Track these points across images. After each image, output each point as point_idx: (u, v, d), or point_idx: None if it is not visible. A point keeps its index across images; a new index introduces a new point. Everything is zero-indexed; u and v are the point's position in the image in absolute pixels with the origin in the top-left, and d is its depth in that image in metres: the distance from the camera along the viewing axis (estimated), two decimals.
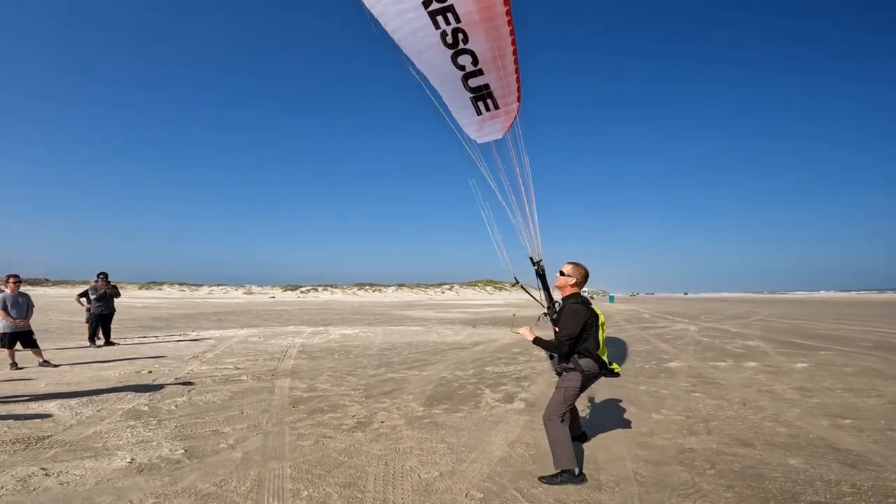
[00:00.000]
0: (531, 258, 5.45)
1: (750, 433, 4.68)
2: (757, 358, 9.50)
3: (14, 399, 5.76)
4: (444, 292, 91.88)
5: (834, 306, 41.54)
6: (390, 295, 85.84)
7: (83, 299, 11.46)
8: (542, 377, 7.51)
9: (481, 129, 7.82)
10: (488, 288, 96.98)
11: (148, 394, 6.09)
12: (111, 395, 6.03)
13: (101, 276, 11.45)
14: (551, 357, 3.94)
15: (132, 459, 3.76)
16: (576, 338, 3.69)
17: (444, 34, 7.33)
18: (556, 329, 3.88)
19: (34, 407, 5.40)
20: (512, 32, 7.45)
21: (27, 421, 4.80)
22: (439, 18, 7.04)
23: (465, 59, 7.63)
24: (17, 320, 8.05)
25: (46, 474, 3.44)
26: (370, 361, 9.11)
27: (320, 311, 31.67)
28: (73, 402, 5.64)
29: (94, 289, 11.28)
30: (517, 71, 7.70)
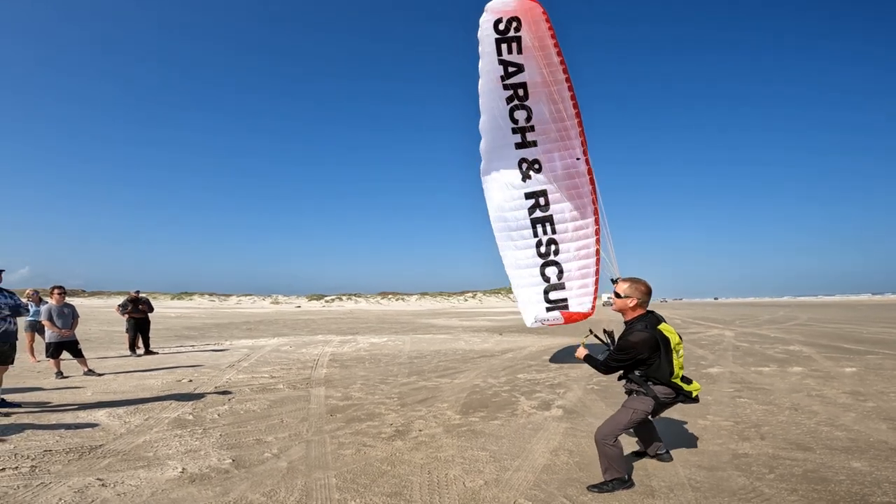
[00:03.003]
0: (611, 279, 5.61)
1: (807, 438, 4.52)
2: (802, 363, 9.15)
3: (63, 408, 5.94)
4: (467, 300, 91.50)
5: (874, 309, 39.80)
6: (414, 303, 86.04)
7: (120, 308, 11.78)
8: (577, 384, 7.38)
9: (533, 322, 8.12)
10: (511, 295, 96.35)
11: (191, 402, 6.21)
12: (156, 403, 6.18)
13: (134, 294, 11.86)
14: (619, 378, 3.69)
15: (183, 469, 3.81)
16: (628, 366, 3.48)
17: (539, 243, 8.07)
18: (610, 352, 3.65)
19: (83, 416, 5.56)
20: (598, 253, 8.07)
21: (78, 430, 4.94)
22: (537, 213, 8.21)
23: (551, 271, 8.28)
24: (63, 330, 8.34)
25: (103, 485, 3.50)
26: (401, 370, 9.11)
27: (347, 319, 31.96)
28: (120, 410, 5.79)
29: (127, 302, 11.67)
30: (595, 292, 8.01)
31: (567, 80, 7.59)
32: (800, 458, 3.98)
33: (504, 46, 7.42)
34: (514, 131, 7.90)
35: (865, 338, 13.88)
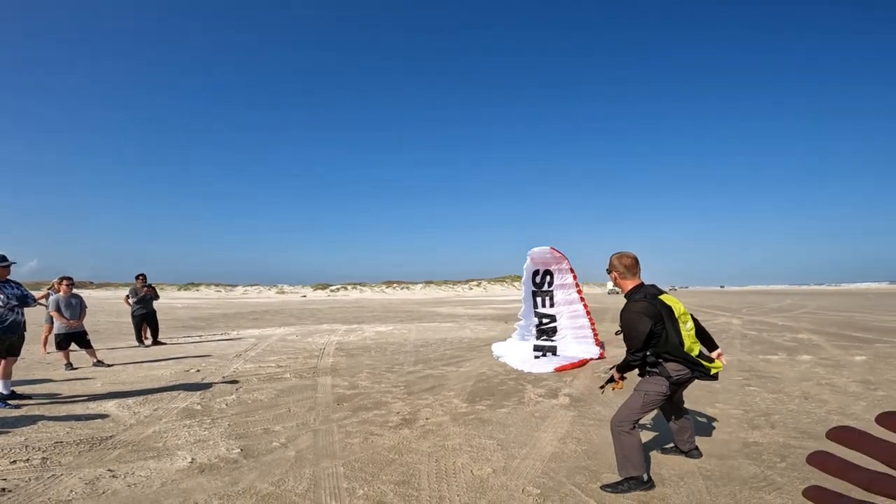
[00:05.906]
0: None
1: (818, 427, 4.49)
2: (811, 351, 9.09)
3: (73, 399, 5.99)
4: (471, 288, 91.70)
5: (882, 297, 39.55)
6: (419, 292, 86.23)
7: (131, 300, 11.74)
8: (585, 372, 7.37)
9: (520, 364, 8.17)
10: (516, 283, 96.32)
11: (199, 392, 6.25)
12: (165, 394, 6.21)
13: (140, 278, 11.72)
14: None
15: (193, 459, 3.83)
16: (644, 346, 3.22)
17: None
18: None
19: (93, 407, 5.59)
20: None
21: (88, 421, 4.97)
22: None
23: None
24: (71, 321, 8.37)
25: (114, 476, 3.52)
26: (407, 358, 9.13)
27: (352, 309, 32.06)
28: (129, 401, 5.83)
29: (134, 291, 11.62)
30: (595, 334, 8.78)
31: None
32: (812, 447, 3.95)
33: (539, 300, 9.34)
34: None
35: (875, 326, 13.79)
